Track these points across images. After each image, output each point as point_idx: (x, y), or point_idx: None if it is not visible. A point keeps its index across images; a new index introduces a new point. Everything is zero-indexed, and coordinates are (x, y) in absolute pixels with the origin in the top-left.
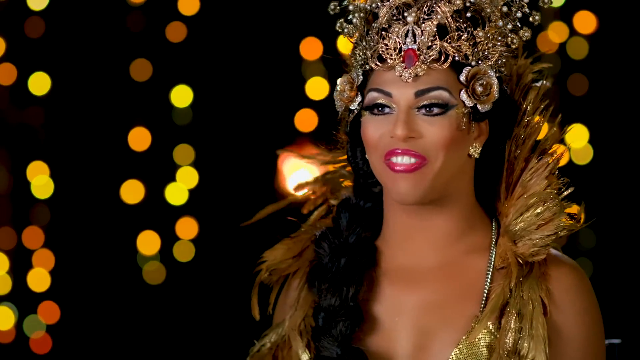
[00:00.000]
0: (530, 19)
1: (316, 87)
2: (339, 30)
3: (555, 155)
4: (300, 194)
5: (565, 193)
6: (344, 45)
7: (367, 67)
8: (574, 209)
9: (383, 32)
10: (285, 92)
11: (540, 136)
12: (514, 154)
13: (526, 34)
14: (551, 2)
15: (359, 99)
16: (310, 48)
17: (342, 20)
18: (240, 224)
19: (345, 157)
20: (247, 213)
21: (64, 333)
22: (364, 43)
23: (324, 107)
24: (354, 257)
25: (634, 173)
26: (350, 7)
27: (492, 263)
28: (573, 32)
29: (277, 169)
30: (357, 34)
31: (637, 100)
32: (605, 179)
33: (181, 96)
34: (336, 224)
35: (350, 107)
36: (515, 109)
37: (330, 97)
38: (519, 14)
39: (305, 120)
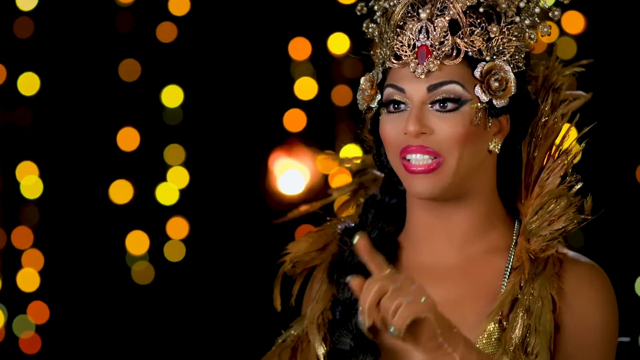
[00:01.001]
0: (550, 14)
1: (305, 87)
2: (365, 30)
3: (570, 155)
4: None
5: (576, 188)
6: (334, 45)
7: (386, 65)
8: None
9: (398, 29)
10: (274, 92)
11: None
12: (532, 154)
13: (545, 29)
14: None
15: (378, 97)
16: (299, 48)
17: (368, 20)
18: (273, 221)
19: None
20: (237, 213)
21: (54, 333)
22: (384, 42)
23: (313, 107)
24: None
25: (622, 172)
26: (375, 7)
27: (511, 263)
28: (562, 32)
29: (267, 169)
30: (378, 34)
31: (625, 99)
32: (593, 178)
33: (172, 96)
34: (362, 220)
35: (371, 106)
36: (533, 106)
37: (319, 97)
38: (536, 10)
39: (294, 120)
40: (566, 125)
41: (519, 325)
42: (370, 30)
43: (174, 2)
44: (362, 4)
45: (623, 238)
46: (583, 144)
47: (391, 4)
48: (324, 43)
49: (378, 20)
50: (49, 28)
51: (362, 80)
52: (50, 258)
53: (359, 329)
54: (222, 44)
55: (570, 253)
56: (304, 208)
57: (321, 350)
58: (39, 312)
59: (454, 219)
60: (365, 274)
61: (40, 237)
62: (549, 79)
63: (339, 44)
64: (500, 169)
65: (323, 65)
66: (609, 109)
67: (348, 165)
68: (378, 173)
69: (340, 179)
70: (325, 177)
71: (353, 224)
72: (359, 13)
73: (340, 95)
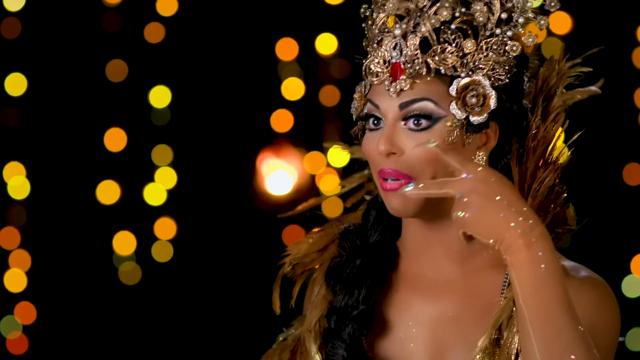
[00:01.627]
0: (536, 23)
1: (292, 88)
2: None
3: (557, 164)
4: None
5: (562, 197)
6: (321, 46)
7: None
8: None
9: (376, 45)
10: (262, 92)
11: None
12: (525, 164)
13: (530, 39)
14: (559, 6)
15: (365, 109)
16: (286, 49)
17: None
18: (278, 215)
19: None
20: (225, 213)
21: (41, 333)
22: (368, 55)
23: (300, 108)
24: (369, 259)
25: (609, 173)
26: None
27: (507, 278)
28: (548, 32)
29: (255, 169)
30: (366, 45)
31: (611, 100)
32: (579, 179)
33: (159, 97)
34: (365, 220)
35: (361, 115)
36: (521, 117)
37: (306, 98)
38: (520, 20)
39: (281, 121)
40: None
41: (514, 341)
42: (364, 44)
43: (161, 3)
44: (366, 6)
45: (610, 239)
46: (569, 154)
47: (374, 15)
48: (311, 43)
49: (368, 34)
50: (37, 29)
51: (356, 89)
52: (37, 258)
53: (353, 338)
54: (209, 45)
55: (568, 265)
56: (312, 201)
57: (317, 359)
58: (26, 313)
59: (447, 236)
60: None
61: (28, 238)
62: (547, 82)
63: (326, 44)
64: None
65: (310, 66)
66: (596, 110)
67: (357, 157)
68: None
69: (328, 179)
70: (313, 177)
71: (353, 226)
72: (363, 16)
73: (328, 95)
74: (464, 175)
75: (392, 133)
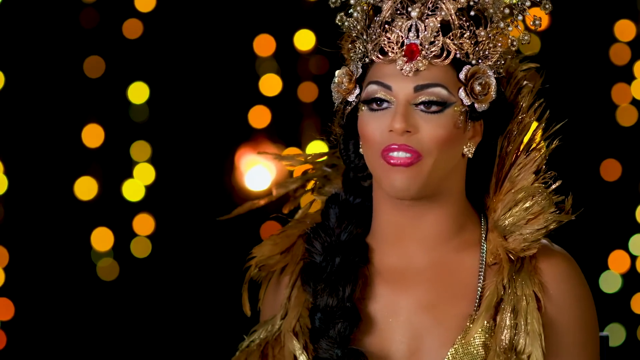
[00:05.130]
0: (531, 22)
1: (270, 84)
2: (339, 23)
3: (542, 151)
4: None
5: (554, 186)
6: (299, 42)
7: (367, 60)
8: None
9: (386, 26)
10: (239, 88)
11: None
12: (505, 149)
13: (526, 37)
14: (551, 8)
15: (357, 91)
16: (264, 45)
17: (342, 13)
18: (217, 218)
19: (324, 157)
20: (204, 209)
21: (19, 329)
22: (365, 36)
23: (278, 104)
24: (348, 256)
25: (586, 168)
26: (352, 1)
27: (484, 260)
28: (526, 28)
29: (234, 165)
30: (358, 27)
31: (589, 96)
32: (557, 174)
33: (138, 93)
34: (325, 219)
35: (348, 99)
36: (510, 111)
37: (283, 94)
38: (520, 17)
39: (259, 117)
40: (535, 123)
41: (506, 326)
42: (346, 24)
43: None
44: None
45: (588, 235)
46: (556, 141)
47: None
48: (289, 40)
49: (355, 14)
50: (13, 24)
51: (338, 73)
52: (15, 255)
53: (344, 336)
54: (187, 41)
55: (542, 241)
56: (248, 205)
57: (303, 359)
58: (4, 309)
59: (425, 221)
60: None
61: (5, 234)
62: (514, 75)
63: (304, 40)
64: (471, 164)
65: (288, 62)
66: (574, 106)
67: (288, 163)
68: (328, 170)
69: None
70: (291, 173)
71: (316, 225)
72: (332, 5)
73: (306, 91)
74: None
75: (406, 112)
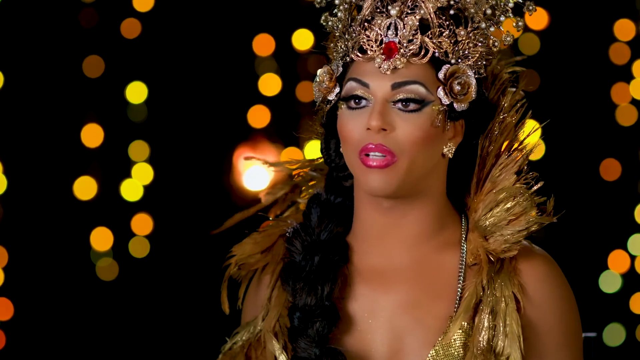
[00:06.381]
0: (514, 24)
1: (269, 84)
2: (323, 23)
3: (524, 151)
4: (264, 199)
5: (535, 188)
6: (298, 41)
7: (348, 58)
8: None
9: (366, 24)
10: (239, 88)
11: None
12: (487, 149)
13: (508, 38)
14: (535, 10)
15: (337, 90)
16: (263, 44)
17: (327, 13)
18: (211, 232)
19: (312, 160)
20: (202, 209)
21: (18, 329)
22: (347, 35)
23: (277, 104)
24: (327, 255)
25: (586, 168)
26: (337, 1)
27: (464, 260)
28: (525, 28)
29: (232, 165)
30: (340, 27)
31: (588, 95)
32: (557, 174)
33: (136, 92)
34: (306, 219)
35: (329, 98)
36: (491, 111)
37: (282, 94)
38: (502, 18)
39: (258, 117)
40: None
41: (484, 327)
42: (330, 23)
43: None
44: None
45: (587, 234)
46: (538, 141)
47: None
48: (288, 39)
49: (339, 13)
50: (13, 24)
51: (320, 72)
52: (14, 254)
53: (322, 335)
54: (186, 40)
55: (523, 242)
56: (238, 217)
57: (283, 359)
58: (3, 309)
59: (406, 221)
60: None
61: (4, 234)
62: (499, 77)
63: (303, 40)
64: (452, 164)
65: (287, 62)
66: (574, 106)
67: (277, 169)
68: (314, 174)
69: None
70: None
71: (298, 225)
72: (317, 6)
73: (305, 91)
74: None
75: (383, 110)
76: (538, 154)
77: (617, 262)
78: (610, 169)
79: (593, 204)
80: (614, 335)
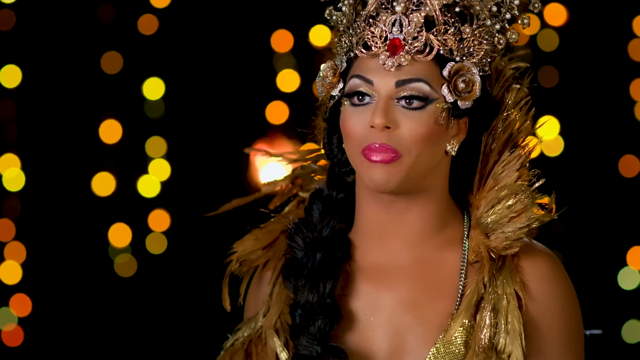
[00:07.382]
0: (519, 21)
1: (287, 80)
2: (328, 17)
3: (527, 148)
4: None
5: (537, 185)
6: (315, 37)
7: (352, 54)
8: (544, 200)
9: (370, 20)
10: (257, 84)
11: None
12: (490, 146)
13: (514, 35)
14: (541, 7)
15: (340, 85)
16: (282, 40)
17: (331, 7)
18: (205, 214)
19: (314, 153)
20: (219, 205)
21: (36, 326)
22: (351, 30)
23: (295, 100)
24: (329, 252)
25: (605, 164)
26: None
27: (466, 258)
28: (544, 24)
29: (249, 161)
30: (345, 22)
31: (607, 92)
32: (575, 170)
33: (153, 89)
34: (308, 214)
35: (332, 94)
36: (496, 109)
37: (301, 90)
38: (507, 15)
39: (277, 113)
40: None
41: (486, 325)
42: (334, 17)
43: None
44: None
45: (606, 231)
46: (539, 140)
47: None
48: (306, 35)
49: (344, 8)
50: (31, 20)
51: (323, 67)
52: (32, 250)
53: (324, 333)
54: (203, 36)
55: (525, 239)
56: (236, 202)
57: (284, 356)
58: (21, 305)
59: (408, 218)
60: (324, 276)
61: (23, 230)
62: (503, 73)
63: (321, 36)
64: (455, 161)
65: (305, 58)
66: (592, 100)
67: (279, 160)
68: (315, 166)
69: None
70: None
71: (299, 221)
72: (322, 0)
73: None
74: None
75: (387, 107)
76: (557, 150)
77: (636, 259)
78: (629, 166)
79: (612, 201)
80: (633, 332)
